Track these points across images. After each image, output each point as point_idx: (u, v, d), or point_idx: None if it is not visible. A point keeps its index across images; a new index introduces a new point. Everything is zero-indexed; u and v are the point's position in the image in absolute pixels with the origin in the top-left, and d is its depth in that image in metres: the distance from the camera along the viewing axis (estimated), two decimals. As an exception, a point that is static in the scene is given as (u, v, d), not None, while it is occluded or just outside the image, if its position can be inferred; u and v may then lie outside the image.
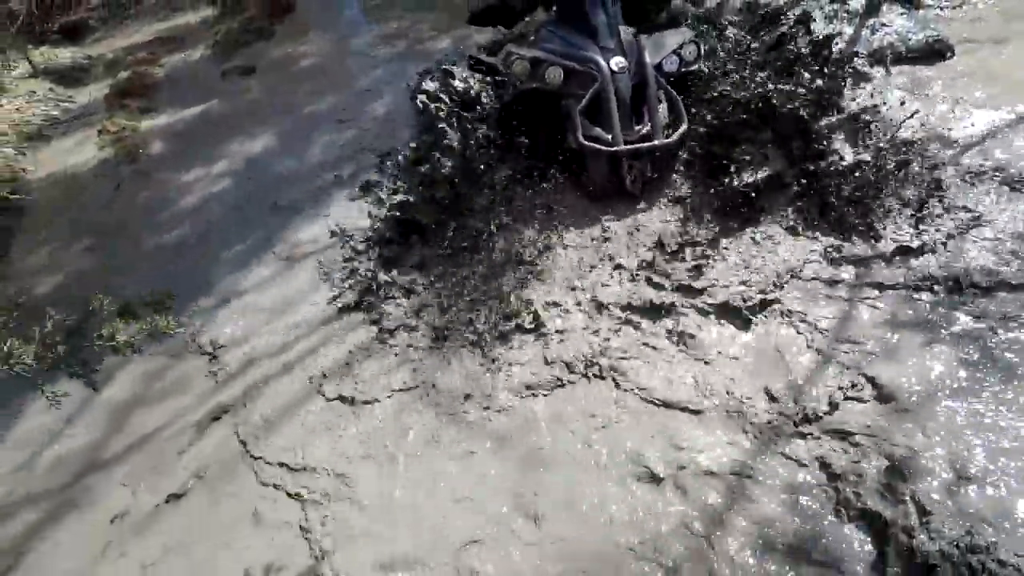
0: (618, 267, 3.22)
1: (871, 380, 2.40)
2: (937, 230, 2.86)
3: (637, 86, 3.52)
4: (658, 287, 3.04)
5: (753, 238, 3.15)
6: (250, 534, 2.58)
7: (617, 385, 2.69)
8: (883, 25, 4.25)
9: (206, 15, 10.60)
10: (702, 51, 3.77)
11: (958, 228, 2.84)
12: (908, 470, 2.09)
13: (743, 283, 2.93)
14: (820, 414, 2.35)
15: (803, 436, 2.30)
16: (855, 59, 3.95)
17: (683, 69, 3.69)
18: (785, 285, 2.88)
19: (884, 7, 4.45)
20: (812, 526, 2.06)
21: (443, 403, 2.84)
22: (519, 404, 2.73)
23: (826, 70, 3.60)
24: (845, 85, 3.67)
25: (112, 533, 2.75)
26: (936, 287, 2.64)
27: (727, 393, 2.54)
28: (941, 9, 4.52)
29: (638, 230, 3.39)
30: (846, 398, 2.36)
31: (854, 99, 3.68)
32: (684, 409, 2.53)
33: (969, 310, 2.52)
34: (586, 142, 3.41)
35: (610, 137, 3.42)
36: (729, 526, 2.12)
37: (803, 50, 3.69)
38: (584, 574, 2.11)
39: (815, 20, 4.46)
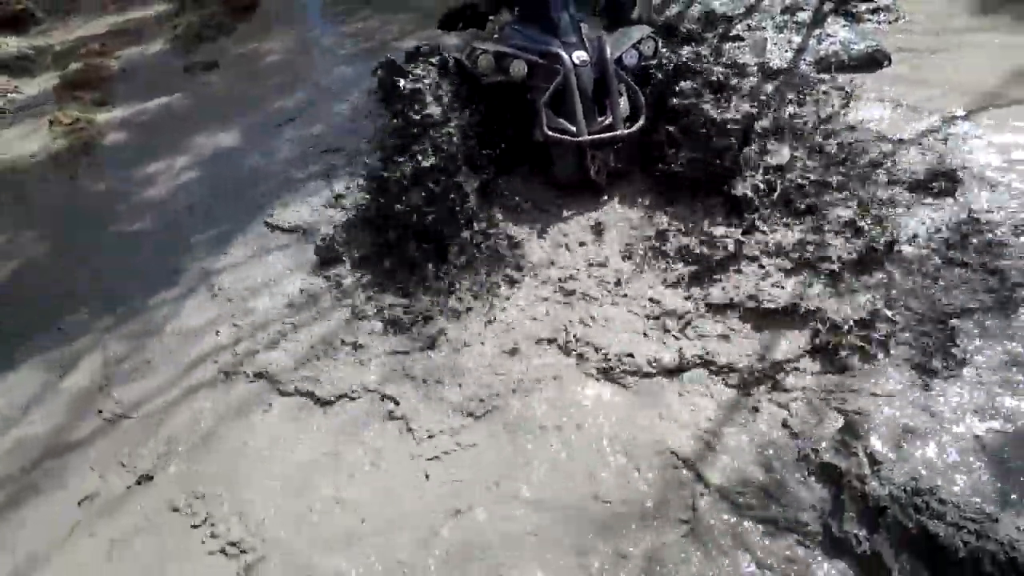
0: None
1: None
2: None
3: (599, 79, 3.67)
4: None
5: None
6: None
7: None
8: (828, 36, 4.58)
9: (161, 9, 10.35)
10: (659, 46, 3.97)
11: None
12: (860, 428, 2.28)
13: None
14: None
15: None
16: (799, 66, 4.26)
17: (642, 63, 3.88)
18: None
19: (829, 19, 4.80)
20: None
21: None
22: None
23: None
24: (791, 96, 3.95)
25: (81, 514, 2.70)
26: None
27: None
28: (879, 23, 4.89)
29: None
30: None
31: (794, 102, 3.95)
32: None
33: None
34: (551, 133, 3.54)
35: (574, 128, 3.55)
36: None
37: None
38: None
39: (766, 31, 4.79)
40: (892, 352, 2.51)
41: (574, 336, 2.93)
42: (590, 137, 3.51)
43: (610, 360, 2.77)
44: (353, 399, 2.90)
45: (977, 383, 2.33)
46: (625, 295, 3.09)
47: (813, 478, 2.19)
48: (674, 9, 5.34)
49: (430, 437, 2.65)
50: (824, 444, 2.25)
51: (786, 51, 4.53)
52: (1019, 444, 2.09)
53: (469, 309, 3.17)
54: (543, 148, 3.76)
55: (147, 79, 7.22)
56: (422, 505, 2.39)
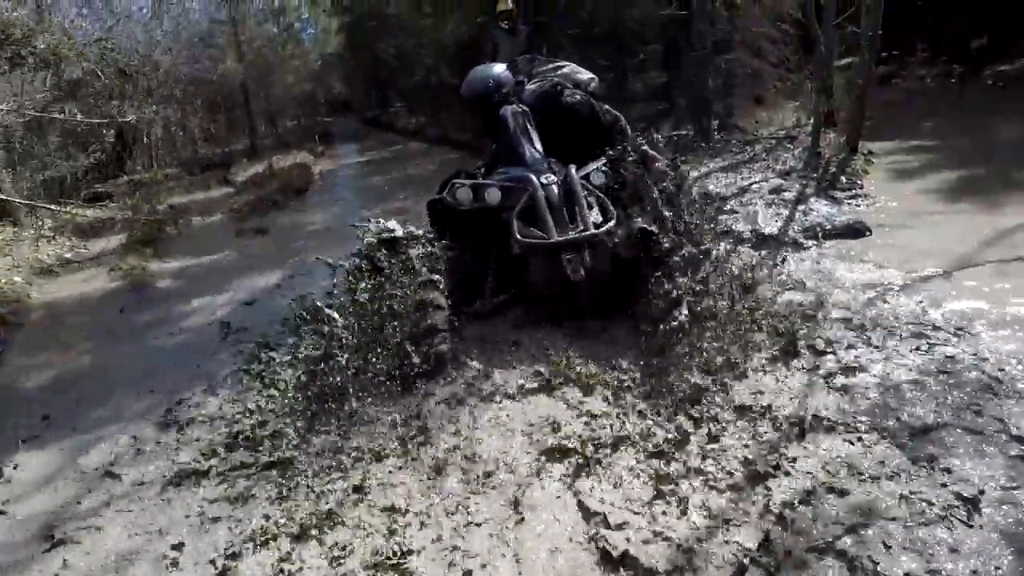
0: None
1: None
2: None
3: (568, 194, 3.90)
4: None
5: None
6: None
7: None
8: (812, 210, 5.18)
9: (224, 191, 11.87)
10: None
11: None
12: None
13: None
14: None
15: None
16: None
17: (607, 182, 4.16)
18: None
19: (812, 199, 5.46)
20: None
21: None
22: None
23: None
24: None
25: None
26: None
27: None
28: (858, 206, 5.53)
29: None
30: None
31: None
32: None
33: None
34: (523, 239, 3.69)
35: (545, 236, 3.72)
36: None
37: None
38: None
39: (756, 205, 5.43)
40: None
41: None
42: (560, 239, 3.65)
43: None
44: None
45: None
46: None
47: None
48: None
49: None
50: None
51: (776, 221, 5.10)
52: None
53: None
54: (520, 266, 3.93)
55: (203, 241, 8.06)
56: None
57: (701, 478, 2.53)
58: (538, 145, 4.41)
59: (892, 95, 10.48)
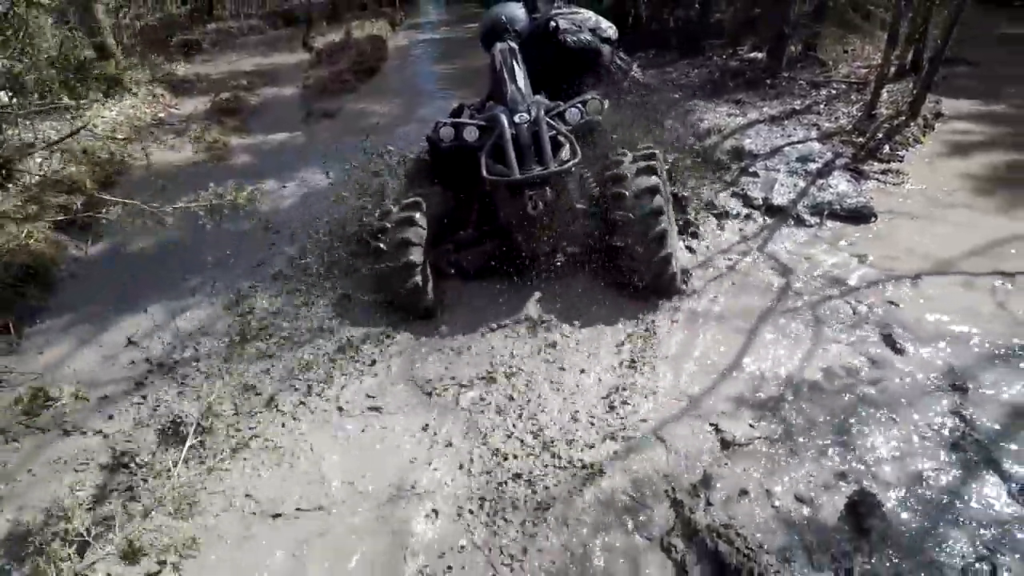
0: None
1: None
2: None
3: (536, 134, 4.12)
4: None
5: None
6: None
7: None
8: (829, 186, 5.38)
9: (301, 58, 12.35)
10: (604, 105, 4.47)
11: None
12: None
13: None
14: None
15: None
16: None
17: (584, 119, 4.37)
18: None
19: (836, 172, 5.61)
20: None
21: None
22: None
23: None
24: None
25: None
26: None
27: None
28: (884, 184, 5.64)
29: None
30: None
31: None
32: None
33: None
34: (489, 175, 3.98)
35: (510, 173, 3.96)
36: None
37: None
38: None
39: (779, 172, 5.64)
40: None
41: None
42: (522, 176, 3.90)
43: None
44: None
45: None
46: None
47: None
48: (710, 141, 6.31)
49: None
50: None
51: (790, 192, 5.36)
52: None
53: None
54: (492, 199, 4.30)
55: (277, 117, 8.80)
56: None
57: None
58: (522, 83, 4.54)
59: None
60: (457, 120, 4.47)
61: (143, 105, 8.79)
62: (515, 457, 3.11)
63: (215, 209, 3.61)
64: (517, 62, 4.66)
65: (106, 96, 6.99)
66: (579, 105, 4.38)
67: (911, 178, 5.73)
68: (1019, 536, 2.56)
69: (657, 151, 4.41)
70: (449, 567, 2.61)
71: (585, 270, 4.45)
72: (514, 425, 3.30)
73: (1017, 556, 2.49)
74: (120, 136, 7.65)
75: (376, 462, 3.16)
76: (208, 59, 12.51)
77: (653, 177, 4.10)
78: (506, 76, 4.54)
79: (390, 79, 10.83)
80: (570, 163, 4.00)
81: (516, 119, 4.15)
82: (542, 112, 4.18)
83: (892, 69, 8.20)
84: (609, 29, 5.39)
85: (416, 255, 4.11)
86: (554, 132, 4.16)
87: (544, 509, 2.82)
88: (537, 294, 4.35)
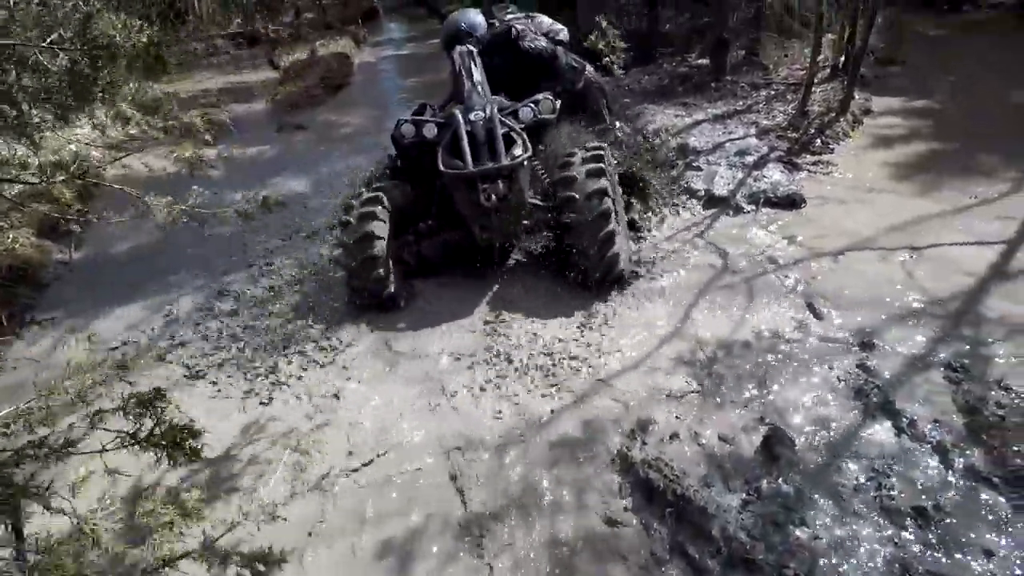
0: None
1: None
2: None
3: (490, 131, 4.37)
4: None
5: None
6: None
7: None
8: (764, 176, 5.91)
9: (268, 76, 12.64)
10: (556, 105, 4.81)
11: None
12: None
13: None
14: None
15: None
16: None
17: (536, 117, 4.69)
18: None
19: (770, 164, 6.15)
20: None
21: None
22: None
23: None
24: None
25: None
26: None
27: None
28: (814, 173, 6.20)
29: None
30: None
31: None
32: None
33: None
34: (445, 169, 4.25)
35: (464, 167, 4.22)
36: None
37: None
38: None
39: (720, 166, 6.17)
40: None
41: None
42: (474, 169, 4.17)
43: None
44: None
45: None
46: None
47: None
48: (659, 140, 6.82)
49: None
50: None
51: (729, 184, 5.88)
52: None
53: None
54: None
55: (251, 131, 9.10)
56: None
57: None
58: (479, 83, 4.79)
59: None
60: (418, 118, 4.75)
61: (113, 124, 8.98)
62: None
63: (246, 214, 3.88)
64: (475, 63, 4.91)
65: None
66: (532, 104, 4.72)
67: (839, 168, 6.30)
68: (902, 462, 3.03)
69: (605, 149, 4.75)
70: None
71: (539, 267, 4.86)
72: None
73: (900, 479, 2.94)
74: (96, 151, 7.86)
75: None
76: (175, 78, 12.70)
77: (602, 179, 4.38)
78: (464, 77, 4.80)
79: (358, 93, 11.19)
80: (521, 158, 4.29)
81: (472, 116, 4.42)
82: (495, 110, 4.46)
83: (827, 70, 8.91)
84: (561, 32, 5.82)
85: (379, 248, 4.37)
86: (507, 129, 4.44)
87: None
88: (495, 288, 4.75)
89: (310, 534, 2.92)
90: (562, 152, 4.70)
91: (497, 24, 5.71)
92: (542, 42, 5.52)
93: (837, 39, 8.92)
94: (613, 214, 4.35)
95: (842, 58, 8.84)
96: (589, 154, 4.59)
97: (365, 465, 3.30)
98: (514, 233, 4.69)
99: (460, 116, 4.42)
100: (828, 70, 8.95)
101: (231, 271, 5.44)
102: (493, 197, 4.16)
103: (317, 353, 4.24)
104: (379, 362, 4.11)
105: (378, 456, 3.35)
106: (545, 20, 5.85)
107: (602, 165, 4.49)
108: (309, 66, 12.33)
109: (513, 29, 5.50)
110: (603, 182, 4.39)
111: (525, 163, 4.41)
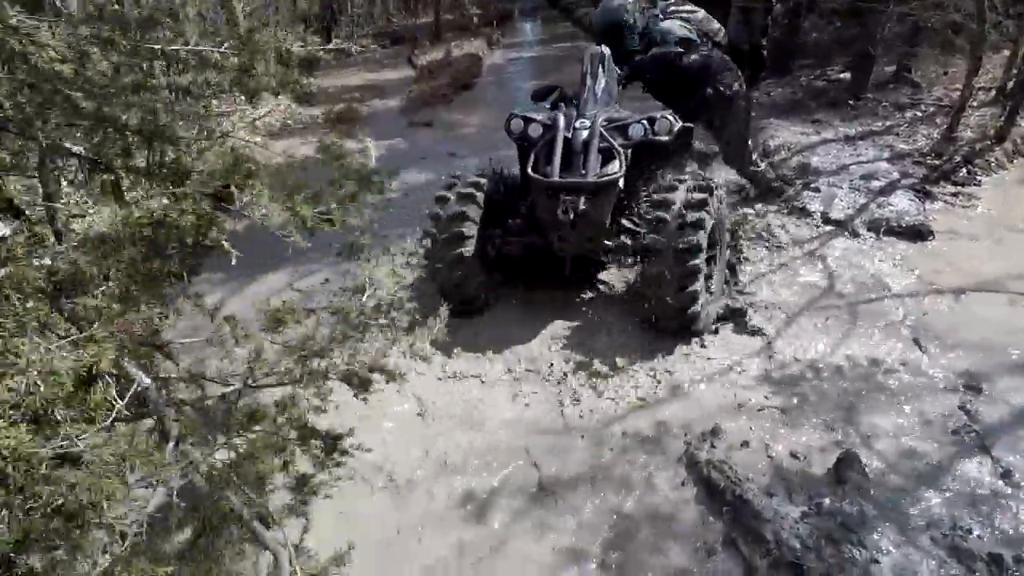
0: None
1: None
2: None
3: (587, 144, 4.12)
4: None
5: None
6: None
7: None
8: (889, 204, 5.54)
9: (406, 74, 13.59)
10: (674, 127, 4.36)
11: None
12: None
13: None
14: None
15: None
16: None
17: (649, 137, 4.27)
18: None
19: (898, 192, 5.74)
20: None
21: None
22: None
23: None
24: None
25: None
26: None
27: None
28: (952, 205, 5.71)
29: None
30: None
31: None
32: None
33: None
34: (531, 173, 4.10)
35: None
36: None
37: None
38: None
39: (841, 188, 5.86)
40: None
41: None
42: (557, 180, 3.97)
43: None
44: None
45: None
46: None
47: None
48: (778, 157, 6.59)
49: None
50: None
51: (848, 208, 5.57)
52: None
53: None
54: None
55: (384, 124, 9.90)
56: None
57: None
58: (600, 90, 4.53)
59: None
60: (528, 115, 4.49)
61: (271, 113, 10.18)
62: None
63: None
64: (603, 67, 4.63)
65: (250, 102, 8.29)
66: (645, 122, 4.31)
67: (983, 202, 5.76)
68: (988, 508, 2.86)
69: (715, 185, 4.33)
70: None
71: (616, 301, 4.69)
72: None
73: (981, 524, 2.78)
74: (257, 137, 8.98)
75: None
76: (327, 73, 14.04)
77: (703, 213, 3.95)
78: (587, 80, 4.58)
79: (482, 93, 11.74)
80: (610, 177, 4.02)
81: (576, 124, 4.23)
82: (599, 122, 4.19)
83: (991, 92, 8.05)
84: (720, 32, 5.79)
85: (467, 247, 4.29)
86: (608, 144, 4.16)
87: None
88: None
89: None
90: (672, 177, 4.43)
91: (660, 14, 5.59)
92: (695, 56, 5.43)
93: (1009, 58, 8.03)
94: (703, 256, 3.94)
95: (1010, 82, 7.97)
96: (697, 184, 4.22)
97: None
98: (592, 250, 4.43)
99: (562, 122, 4.23)
100: (993, 92, 8.11)
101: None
102: (571, 212, 3.93)
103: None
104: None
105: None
106: (701, 12, 5.77)
107: (707, 197, 4.06)
108: (442, 66, 13.10)
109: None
110: (702, 215, 3.95)
111: (617, 183, 4.11)
